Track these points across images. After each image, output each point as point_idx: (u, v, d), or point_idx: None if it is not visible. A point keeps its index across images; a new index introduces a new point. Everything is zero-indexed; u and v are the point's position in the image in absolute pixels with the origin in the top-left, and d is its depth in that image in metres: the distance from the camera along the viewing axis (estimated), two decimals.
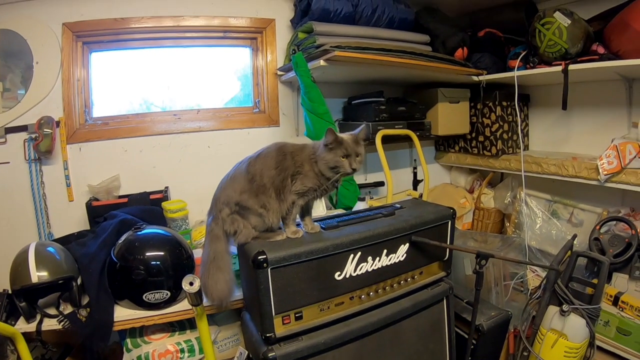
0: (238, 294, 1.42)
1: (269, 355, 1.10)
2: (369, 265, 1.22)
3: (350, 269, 1.19)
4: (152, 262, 1.33)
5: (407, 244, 1.31)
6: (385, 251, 1.25)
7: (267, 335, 1.12)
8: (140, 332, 1.47)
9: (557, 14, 1.81)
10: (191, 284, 0.92)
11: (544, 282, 1.60)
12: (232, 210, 1.14)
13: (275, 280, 1.09)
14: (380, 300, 1.30)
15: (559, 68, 1.80)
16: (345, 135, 1.15)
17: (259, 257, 1.06)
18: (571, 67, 1.77)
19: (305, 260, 1.12)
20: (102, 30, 1.83)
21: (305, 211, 1.23)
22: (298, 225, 1.23)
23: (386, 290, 1.32)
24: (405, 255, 1.31)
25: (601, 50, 1.78)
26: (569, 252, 1.60)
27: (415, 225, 1.31)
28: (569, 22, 1.76)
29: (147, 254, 1.34)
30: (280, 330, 1.14)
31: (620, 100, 1.93)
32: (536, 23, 1.86)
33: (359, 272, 1.21)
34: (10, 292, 1.35)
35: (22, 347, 1.11)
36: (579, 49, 1.79)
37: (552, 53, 1.83)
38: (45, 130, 1.72)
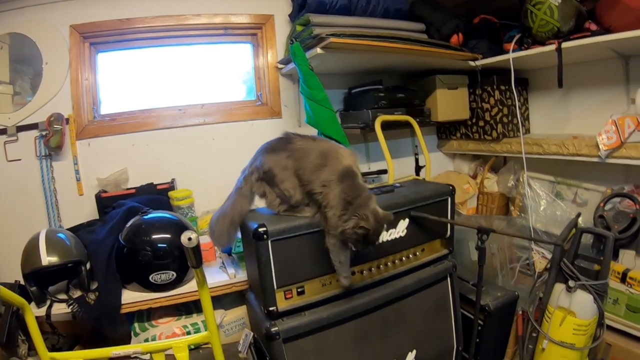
0: (242, 275, 1.45)
1: (272, 329, 1.12)
2: None
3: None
4: (159, 244, 1.37)
5: (407, 220, 1.32)
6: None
7: (270, 309, 1.14)
8: (147, 316, 1.50)
9: None
10: (189, 239, 0.93)
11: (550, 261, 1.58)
12: (259, 177, 1.19)
13: (276, 253, 1.11)
14: (382, 276, 1.31)
15: (553, 47, 1.81)
16: None
17: (260, 230, 1.09)
18: (564, 45, 1.77)
19: (305, 233, 1.15)
20: (107, 31, 1.90)
21: None
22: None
23: (388, 267, 1.33)
24: (405, 231, 1.32)
25: (593, 27, 1.78)
26: (574, 230, 1.58)
27: (413, 200, 1.33)
28: (560, 0, 1.78)
29: (154, 236, 1.38)
30: (282, 304, 1.16)
31: (618, 78, 1.92)
32: (527, 4, 1.88)
33: None
34: (22, 282, 1.39)
35: (31, 319, 1.09)
36: (572, 27, 1.79)
37: (545, 32, 1.84)
38: (55, 126, 1.79)
